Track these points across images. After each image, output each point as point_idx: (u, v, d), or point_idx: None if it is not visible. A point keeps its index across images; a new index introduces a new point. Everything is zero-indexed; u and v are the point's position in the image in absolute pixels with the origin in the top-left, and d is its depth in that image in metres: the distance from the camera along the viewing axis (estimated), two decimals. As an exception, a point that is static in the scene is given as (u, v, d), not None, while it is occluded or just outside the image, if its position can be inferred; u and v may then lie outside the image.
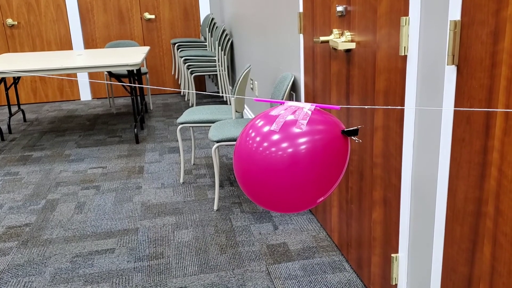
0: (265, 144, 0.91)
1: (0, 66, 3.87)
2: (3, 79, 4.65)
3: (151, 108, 5.59)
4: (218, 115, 3.19)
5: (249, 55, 4.42)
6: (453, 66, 1.22)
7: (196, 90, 6.55)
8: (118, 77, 5.13)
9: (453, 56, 1.19)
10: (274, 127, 0.92)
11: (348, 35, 1.90)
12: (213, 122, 3.14)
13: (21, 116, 5.35)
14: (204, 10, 6.30)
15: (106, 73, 5.23)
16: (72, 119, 5.18)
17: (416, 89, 1.46)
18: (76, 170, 3.54)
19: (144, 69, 5.51)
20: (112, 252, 2.33)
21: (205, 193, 3.02)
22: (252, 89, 4.35)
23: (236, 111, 3.09)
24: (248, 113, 4.63)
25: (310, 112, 0.93)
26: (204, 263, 2.21)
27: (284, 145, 0.90)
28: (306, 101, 2.58)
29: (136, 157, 3.81)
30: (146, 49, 5.04)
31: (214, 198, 2.94)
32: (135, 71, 4.80)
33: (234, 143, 2.67)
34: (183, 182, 3.22)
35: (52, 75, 5.96)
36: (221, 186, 3.12)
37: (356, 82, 1.89)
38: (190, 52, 5.42)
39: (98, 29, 6.11)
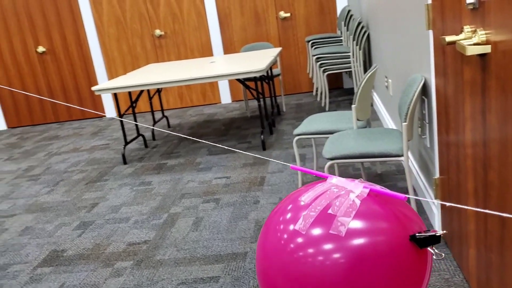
0: (291, 246, 0.63)
1: (142, 77, 4.09)
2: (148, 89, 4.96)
3: (284, 109, 5.45)
4: (340, 124, 2.86)
5: (383, 49, 3.96)
6: None
7: (330, 87, 6.23)
8: (247, 80, 5.09)
9: None
10: (299, 225, 0.62)
11: (481, 34, 1.44)
12: (332, 132, 2.83)
13: (166, 122, 5.67)
14: (341, 2, 5.93)
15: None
16: (210, 124, 5.30)
17: None
18: (202, 180, 3.55)
19: (277, 71, 5.39)
20: (216, 281, 2.21)
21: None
22: (386, 87, 3.89)
23: (358, 120, 2.74)
24: (386, 118, 4.17)
25: (358, 202, 0.61)
26: None
27: (311, 254, 0.60)
28: (438, 110, 2.12)
29: (259, 166, 3.68)
30: (276, 51, 4.89)
31: (333, 219, 2.64)
32: (261, 76, 4.69)
33: (351, 161, 2.33)
34: (302, 198, 2.97)
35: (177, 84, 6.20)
36: (343, 204, 2.80)
37: (493, 97, 1.42)
38: (323, 50, 5.12)
39: (236, 32, 6.17)
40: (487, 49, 1.38)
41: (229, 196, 3.18)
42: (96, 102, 6.48)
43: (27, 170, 4.41)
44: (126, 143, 4.31)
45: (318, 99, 5.57)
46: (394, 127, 3.65)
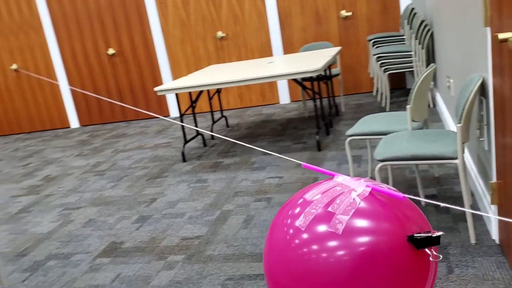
0: (291, 242, 0.64)
1: (201, 78, 4.22)
2: (208, 89, 5.10)
3: (343, 110, 5.38)
4: (395, 125, 2.80)
5: (445, 48, 3.81)
6: None
7: (392, 87, 6.06)
8: (305, 80, 5.08)
9: None
10: (300, 222, 0.64)
11: (534, 30, 1.36)
12: (387, 133, 2.77)
13: (224, 122, 5.79)
14: (405, 0, 5.75)
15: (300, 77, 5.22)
16: (267, 124, 5.35)
17: None
18: (255, 179, 3.60)
19: (336, 71, 5.33)
20: (262, 278, 2.25)
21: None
22: (448, 87, 3.74)
23: (413, 121, 2.66)
24: (447, 120, 4.01)
25: (358, 201, 0.62)
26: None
27: (311, 251, 0.61)
28: (496, 112, 2.02)
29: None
30: (335, 50, 4.85)
31: (384, 222, 2.59)
32: (319, 76, 4.66)
33: (402, 163, 2.28)
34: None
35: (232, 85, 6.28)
36: (395, 207, 2.73)
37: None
38: (384, 49, 5.00)
39: (296, 32, 6.18)
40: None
41: (281, 196, 3.20)
42: (161, 102, 6.74)
43: (95, 166, 4.69)
44: (186, 141, 4.45)
45: (379, 99, 5.45)
46: (455, 130, 3.49)
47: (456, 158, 2.16)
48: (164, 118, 1.79)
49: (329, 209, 0.64)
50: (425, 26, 4.67)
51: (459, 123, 2.10)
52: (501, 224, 2.12)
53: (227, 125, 5.56)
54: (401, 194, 0.64)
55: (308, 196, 0.69)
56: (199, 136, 5.21)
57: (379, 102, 5.45)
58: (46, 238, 3.11)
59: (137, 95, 6.77)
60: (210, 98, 5.14)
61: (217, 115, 6.26)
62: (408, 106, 2.56)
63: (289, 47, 6.22)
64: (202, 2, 6.26)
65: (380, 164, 2.32)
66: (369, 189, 0.65)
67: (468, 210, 0.58)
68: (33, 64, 6.89)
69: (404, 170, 3.30)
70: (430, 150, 2.23)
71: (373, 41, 5.57)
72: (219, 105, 5.49)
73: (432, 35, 4.98)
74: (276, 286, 0.71)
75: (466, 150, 3.01)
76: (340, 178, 0.68)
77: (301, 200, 0.69)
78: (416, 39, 4.68)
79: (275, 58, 5.10)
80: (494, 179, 2.14)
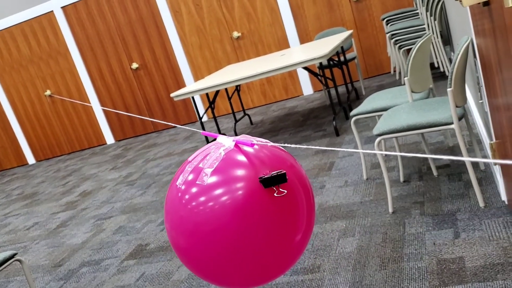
0: (179, 199, 0.71)
1: (215, 79, 4.32)
2: (226, 90, 5.20)
3: (364, 93, 5.33)
4: (399, 100, 2.78)
5: (450, 15, 3.72)
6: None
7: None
8: (323, 68, 5.07)
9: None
10: (179, 181, 0.70)
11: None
12: (389, 109, 2.75)
13: (248, 120, 5.87)
14: (416, -27, 5.63)
15: (317, 65, 5.23)
16: (290, 116, 5.39)
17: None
18: (275, 171, 3.65)
19: (352, 54, 5.29)
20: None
21: (386, 192, 2.68)
22: (460, 56, 3.64)
23: (414, 92, 2.63)
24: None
25: (223, 154, 0.67)
26: (357, 281, 1.95)
27: (188, 206, 0.67)
28: (484, 73, 1.99)
29: (330, 152, 3.68)
30: (345, 34, 4.82)
31: (395, 196, 2.58)
32: (333, 62, 4.65)
33: (399, 134, 2.27)
34: (367, 179, 2.94)
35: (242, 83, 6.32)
36: (407, 181, 2.72)
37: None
38: (397, 26, 4.92)
39: (310, 22, 6.18)
40: (480, -2, 1.29)
41: (297, 183, 3.24)
42: (189, 108, 6.91)
43: (126, 177, 4.89)
44: (208, 143, 4.57)
45: (397, 77, 5.36)
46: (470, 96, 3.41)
47: (452, 123, 2.13)
48: (180, 126, 1.89)
49: (200, 164, 0.70)
50: (435, -4, 4.56)
51: (450, 87, 2.07)
52: (508, 184, 2.08)
53: (251, 123, 5.64)
54: (254, 143, 0.70)
55: (190, 158, 0.75)
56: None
57: (399, 80, 5.37)
58: (80, 248, 3.30)
59: (164, 104, 6.97)
60: (229, 98, 5.23)
61: (240, 115, 6.35)
62: (405, 78, 2.54)
63: (305, 37, 6.23)
64: (214, 5, 6.38)
65: (379, 138, 2.33)
66: (233, 143, 0.70)
67: (463, 159, 0.63)
68: (65, 88, 7.25)
69: (420, 144, 3.25)
70: (425, 118, 2.21)
71: (386, 19, 5.49)
72: (241, 105, 5.58)
73: (443, 5, 4.85)
74: (177, 247, 0.77)
75: (476, 115, 2.94)
76: (219, 138, 0.74)
77: (185, 163, 0.76)
78: (427, 11, 4.58)
79: (288, 50, 5.13)
80: (493, 139, 2.10)
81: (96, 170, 5.69)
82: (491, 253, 1.84)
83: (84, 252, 3.20)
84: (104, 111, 7.23)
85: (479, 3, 1.30)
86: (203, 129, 4.58)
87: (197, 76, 6.73)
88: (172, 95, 4.29)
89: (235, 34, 6.40)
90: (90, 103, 7.08)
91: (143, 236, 3.16)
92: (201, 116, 5.46)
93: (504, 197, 2.16)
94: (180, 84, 6.83)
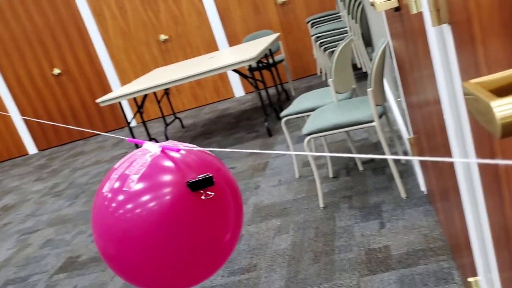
0: (106, 207, 0.71)
1: (142, 83, 4.24)
2: (154, 93, 5.12)
3: (293, 94, 5.47)
4: (325, 100, 2.89)
5: (370, 18, 3.92)
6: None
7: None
8: (253, 70, 5.14)
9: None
10: (106, 189, 0.70)
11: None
12: (317, 109, 2.86)
13: (179, 123, 5.82)
14: (336, -23, 5.87)
15: (247, 67, 5.29)
16: (222, 118, 5.41)
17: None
18: (208, 174, 3.65)
19: (280, 57, 5.42)
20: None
21: (317, 188, 2.78)
22: (380, 56, 3.85)
23: (338, 92, 2.75)
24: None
25: (149, 160, 0.68)
26: (292, 276, 2.01)
27: (116, 213, 0.68)
28: (400, 73, 2.12)
29: (264, 153, 3.75)
30: (272, 37, 4.92)
31: (325, 192, 2.68)
32: (263, 64, 4.74)
33: (327, 133, 2.36)
34: (299, 177, 3.02)
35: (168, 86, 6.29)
36: (336, 177, 2.83)
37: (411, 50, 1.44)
38: (321, 28, 5.10)
39: (238, 24, 6.24)
40: (393, 4, 1.39)
41: (231, 185, 3.27)
42: (116, 113, 6.72)
43: (52, 188, 4.67)
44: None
45: (323, 78, 5.56)
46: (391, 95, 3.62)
47: (373, 121, 2.26)
48: (105, 134, 1.83)
49: (126, 171, 0.71)
50: (356, 0, 4.78)
51: (370, 87, 2.20)
52: (426, 175, 2.23)
53: (183, 126, 5.59)
54: (180, 148, 0.72)
55: (116, 165, 0.76)
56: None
57: (326, 81, 5.57)
58: (3, 266, 3.11)
59: (90, 110, 6.73)
60: (159, 102, 5.16)
61: (171, 118, 6.28)
62: (330, 80, 2.65)
63: (233, 40, 6.28)
64: (139, 8, 6.26)
65: (308, 137, 2.41)
66: (160, 149, 0.71)
67: (385, 157, 0.65)
68: (-20, 96, 6.78)
69: (347, 142, 3.40)
70: (349, 117, 2.32)
71: (311, 22, 5.67)
72: (171, 108, 5.52)
73: (364, 8, 5.10)
74: (105, 255, 0.77)
75: (396, 112, 3.12)
76: (145, 145, 0.75)
77: (112, 170, 0.76)
78: (349, 14, 4.79)
79: (217, 53, 5.15)
80: (411, 135, 2.25)
81: (18, 182, 5.37)
82: (413, 241, 1.97)
83: (8, 270, 3.02)
84: (26, 120, 6.84)
85: (392, 8, 1.40)
86: (132, 134, 4.48)
87: (124, 81, 6.57)
88: (98, 100, 4.16)
89: (162, 37, 6.32)
90: (7, 112, 6.67)
91: (74, 248, 3.04)
92: (129, 121, 5.34)
93: (423, 187, 2.32)
94: (106, 89, 6.62)
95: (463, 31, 0.79)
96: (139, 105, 4.55)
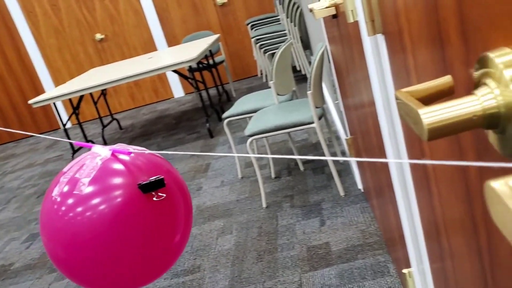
0: (55, 211, 0.71)
1: (79, 83, 4.10)
2: (91, 94, 4.96)
3: (234, 95, 5.51)
4: (266, 102, 2.95)
5: (308, 22, 4.04)
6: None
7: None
8: (194, 71, 5.12)
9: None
10: (55, 192, 0.70)
11: (334, -3, 1.52)
12: (258, 110, 2.91)
13: (117, 125, 5.68)
14: (274, -19, 5.97)
15: (187, 68, 5.25)
16: (162, 119, 5.34)
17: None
18: (149, 176, 3.60)
19: (220, 58, 5.43)
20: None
21: (259, 188, 2.83)
22: (318, 59, 3.98)
23: (279, 94, 2.82)
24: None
25: (100, 163, 0.69)
26: (236, 276, 2.04)
27: (65, 217, 0.68)
28: (337, 76, 2.22)
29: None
30: (212, 38, 4.94)
31: (268, 192, 2.74)
32: (203, 65, 4.74)
33: (269, 134, 2.42)
34: (241, 177, 3.06)
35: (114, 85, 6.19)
36: (278, 177, 2.90)
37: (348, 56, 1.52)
38: (261, 31, 5.18)
39: (177, 25, 6.18)
40: (331, 11, 1.47)
41: (173, 187, 3.25)
42: (49, 115, 6.44)
43: (-20, 193, 4.40)
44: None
45: (264, 80, 5.65)
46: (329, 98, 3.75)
47: (313, 123, 2.34)
48: (42, 135, 1.75)
49: (77, 175, 0.71)
50: (294, 4, 4.90)
51: (309, 90, 2.28)
52: (362, 173, 2.34)
53: (120, 128, 5.47)
54: (131, 152, 0.74)
55: (65, 169, 0.76)
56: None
57: (266, 83, 5.66)
58: None
59: (21, 111, 6.41)
60: (95, 103, 5.02)
61: (108, 119, 6.12)
62: (271, 82, 2.72)
63: (172, 40, 6.22)
64: (73, 6, 6.04)
65: (250, 139, 2.45)
66: (110, 152, 0.72)
67: (325, 158, 0.67)
68: None
69: (288, 143, 3.49)
70: (290, 119, 2.39)
71: (251, 24, 5.74)
72: (108, 109, 5.38)
73: (302, 12, 5.24)
74: (55, 258, 0.77)
75: (334, 114, 3.24)
76: (94, 148, 0.75)
77: (60, 174, 0.76)
78: (288, 17, 4.90)
79: (156, 53, 5.08)
80: (348, 135, 2.36)
81: None
82: (352, 236, 2.07)
83: None
84: None
85: (329, 15, 1.47)
86: (68, 136, 4.33)
87: (57, 81, 6.31)
88: (30, 101, 3.98)
89: (98, 36, 6.15)
90: None
91: (6, 256, 2.89)
92: (64, 123, 5.13)
93: (360, 185, 2.44)
94: (38, 89, 6.34)
95: (395, 41, 0.86)
96: (75, 106, 4.40)
